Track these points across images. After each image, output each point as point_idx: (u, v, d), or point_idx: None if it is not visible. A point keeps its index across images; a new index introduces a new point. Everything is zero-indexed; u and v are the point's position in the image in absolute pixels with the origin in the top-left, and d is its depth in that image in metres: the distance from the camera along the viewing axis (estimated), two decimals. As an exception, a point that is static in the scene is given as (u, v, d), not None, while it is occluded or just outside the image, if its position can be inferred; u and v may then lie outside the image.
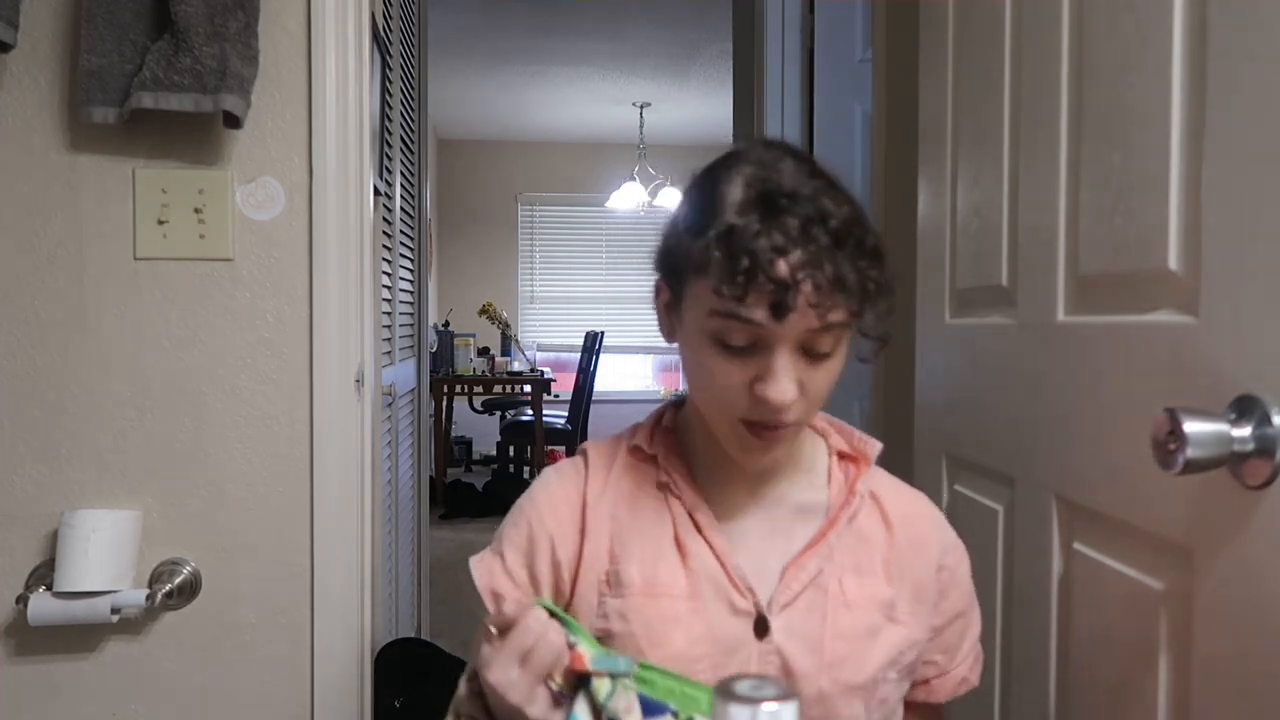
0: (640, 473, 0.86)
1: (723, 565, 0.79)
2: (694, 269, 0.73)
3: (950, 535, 0.88)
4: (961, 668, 0.88)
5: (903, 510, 0.86)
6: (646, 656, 0.76)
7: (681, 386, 0.87)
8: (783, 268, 0.68)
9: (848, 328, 0.74)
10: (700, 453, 0.85)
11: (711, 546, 0.80)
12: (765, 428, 0.75)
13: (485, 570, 0.85)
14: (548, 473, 0.89)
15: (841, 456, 0.88)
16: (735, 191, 0.73)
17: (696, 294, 0.74)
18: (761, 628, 0.77)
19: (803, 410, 0.75)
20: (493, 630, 0.73)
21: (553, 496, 0.85)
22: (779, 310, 0.69)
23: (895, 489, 0.88)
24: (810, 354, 0.73)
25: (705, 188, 0.76)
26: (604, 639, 0.78)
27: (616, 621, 0.79)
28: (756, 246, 0.68)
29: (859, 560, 0.82)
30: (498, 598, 0.82)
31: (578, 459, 0.89)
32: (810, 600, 0.79)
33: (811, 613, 0.79)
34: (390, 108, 1.95)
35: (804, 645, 0.77)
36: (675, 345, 0.81)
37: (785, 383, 0.72)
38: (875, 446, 0.88)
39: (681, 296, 0.77)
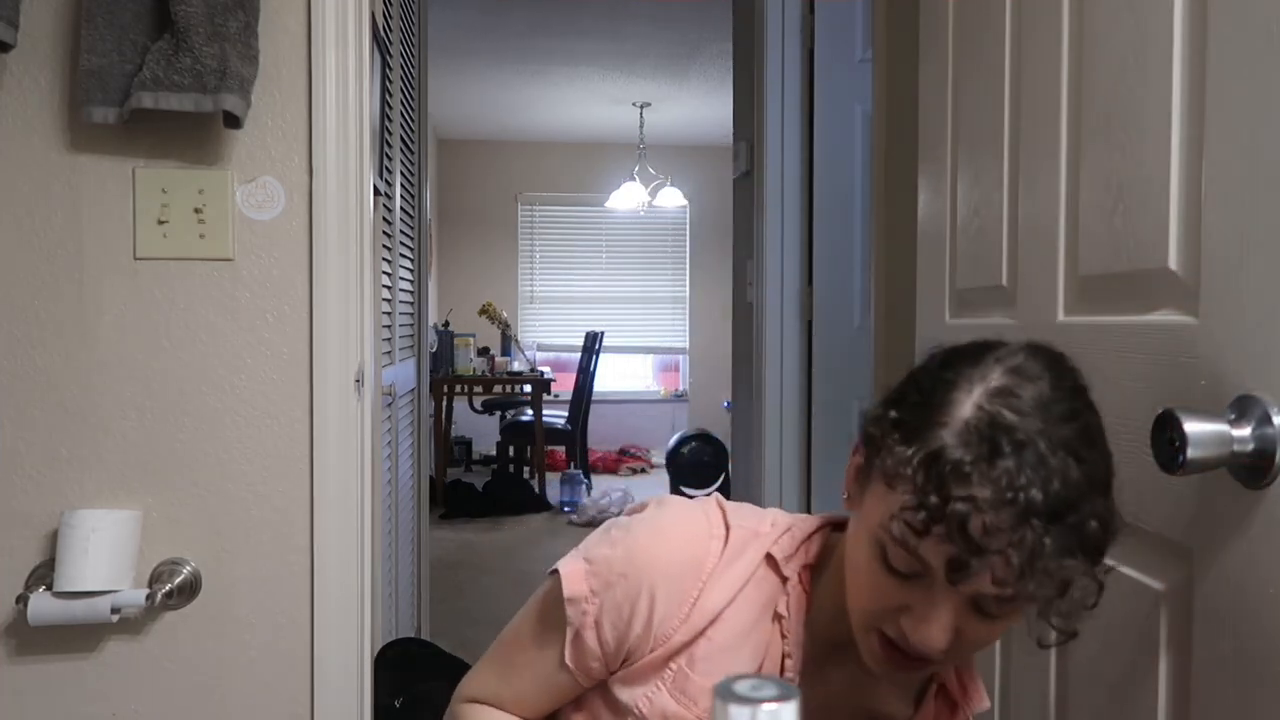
0: (766, 595, 0.78)
1: None
2: (889, 470, 0.64)
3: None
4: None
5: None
6: None
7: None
8: (978, 529, 0.58)
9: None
10: (827, 606, 0.77)
11: None
12: (904, 656, 0.67)
13: (579, 609, 0.78)
14: (681, 522, 0.79)
15: (943, 688, 0.81)
16: (965, 408, 0.62)
17: (882, 494, 0.65)
18: None
19: (954, 657, 0.68)
20: None
21: (676, 568, 0.77)
22: (956, 572, 0.60)
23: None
24: (981, 611, 0.63)
25: (940, 378, 0.65)
26: (640, 712, 0.77)
27: (651, 712, 0.77)
28: (957, 494, 0.59)
29: None
30: (580, 643, 0.79)
31: (717, 531, 0.79)
32: None
33: None
34: (390, 108, 1.95)
35: None
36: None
37: (937, 633, 0.63)
38: (981, 704, 0.80)
39: (869, 480, 0.68)
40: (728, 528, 0.79)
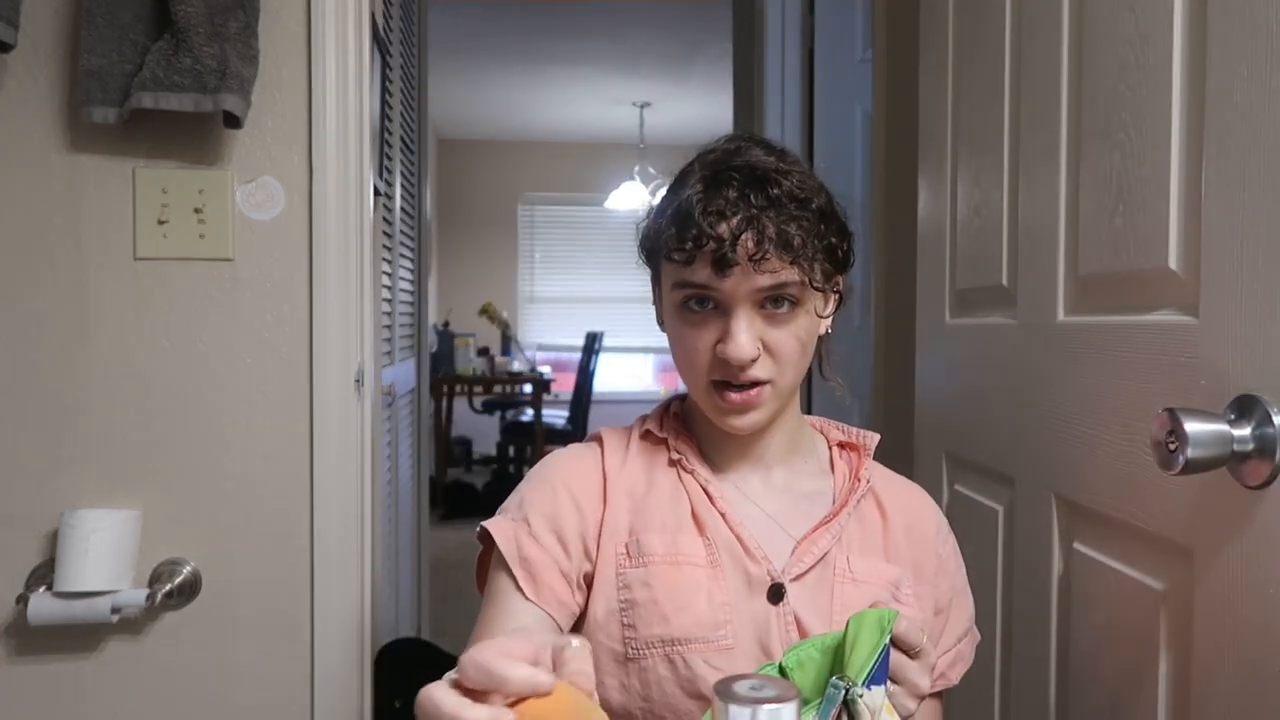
0: (653, 454, 0.89)
1: (737, 536, 0.82)
2: (662, 250, 0.81)
3: (945, 525, 0.92)
4: (941, 662, 0.86)
5: (899, 499, 0.90)
6: (670, 622, 0.78)
7: (682, 385, 0.89)
8: (722, 229, 0.75)
9: (805, 287, 0.78)
10: (706, 438, 0.89)
11: (725, 518, 0.83)
12: (734, 389, 0.80)
13: (508, 537, 0.83)
14: (560, 451, 0.91)
15: (842, 447, 0.92)
16: (693, 178, 0.80)
17: (665, 273, 0.82)
18: (776, 595, 0.80)
19: (771, 369, 0.80)
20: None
21: (574, 467, 0.87)
22: (721, 266, 0.75)
23: (890, 479, 0.92)
24: (769, 315, 0.78)
25: (673, 183, 0.84)
26: (626, 608, 0.80)
27: (640, 590, 0.80)
28: (697, 212, 0.76)
29: (863, 542, 0.85)
30: (527, 564, 0.81)
31: (591, 441, 0.92)
32: (819, 576, 0.82)
33: (820, 586, 0.81)
34: (390, 108, 1.95)
35: (815, 616, 0.80)
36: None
37: (743, 339, 0.77)
38: (873, 438, 0.92)
39: (659, 282, 0.85)
40: (601, 439, 0.91)
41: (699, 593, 0.79)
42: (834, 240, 0.80)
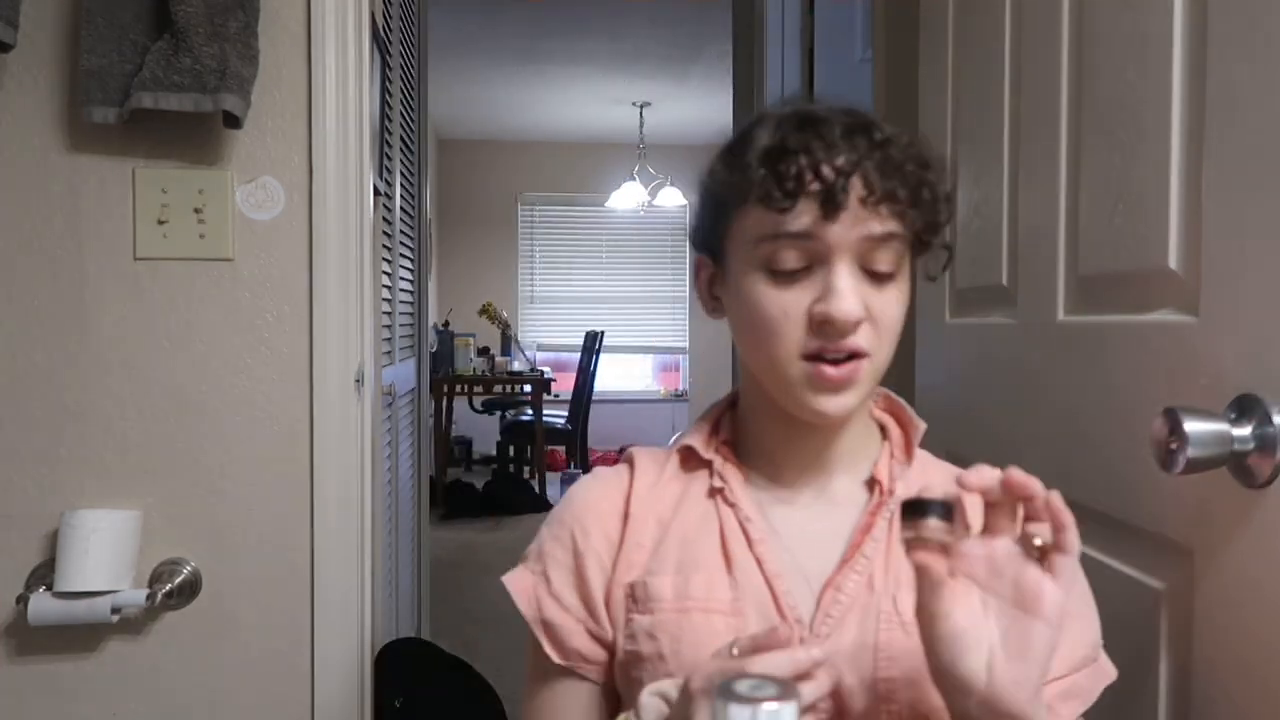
0: (690, 479, 0.79)
1: (772, 590, 0.71)
2: (736, 201, 0.70)
3: None
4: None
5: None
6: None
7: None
8: (828, 170, 0.65)
9: (907, 246, 0.69)
10: (766, 444, 0.78)
11: (761, 566, 0.72)
12: (834, 362, 0.68)
13: (529, 596, 0.76)
14: (588, 478, 0.82)
15: (884, 433, 0.81)
16: (767, 128, 0.69)
17: (741, 229, 0.70)
18: None
19: (873, 339, 0.69)
20: None
21: (596, 502, 0.78)
22: (830, 209, 0.65)
23: (946, 474, 0.78)
24: (872, 274, 0.68)
25: (734, 143, 0.72)
26: (632, 661, 0.71)
27: (645, 641, 0.71)
28: (799, 149, 0.66)
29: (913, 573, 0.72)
30: (549, 628, 0.75)
31: (623, 465, 0.82)
32: (859, 624, 0.69)
33: (863, 638, 0.69)
34: (390, 108, 1.95)
35: (856, 675, 0.68)
36: (724, 321, 0.76)
37: (849, 296, 0.66)
38: (918, 429, 0.80)
39: (724, 252, 0.73)
40: (633, 462, 0.81)
41: (714, 644, 0.66)
42: (944, 191, 0.70)
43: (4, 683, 1.25)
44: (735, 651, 0.60)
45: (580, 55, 5.00)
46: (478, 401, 6.14)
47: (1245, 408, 0.67)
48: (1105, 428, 0.87)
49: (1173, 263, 0.77)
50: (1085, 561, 0.92)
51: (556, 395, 5.97)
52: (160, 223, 1.25)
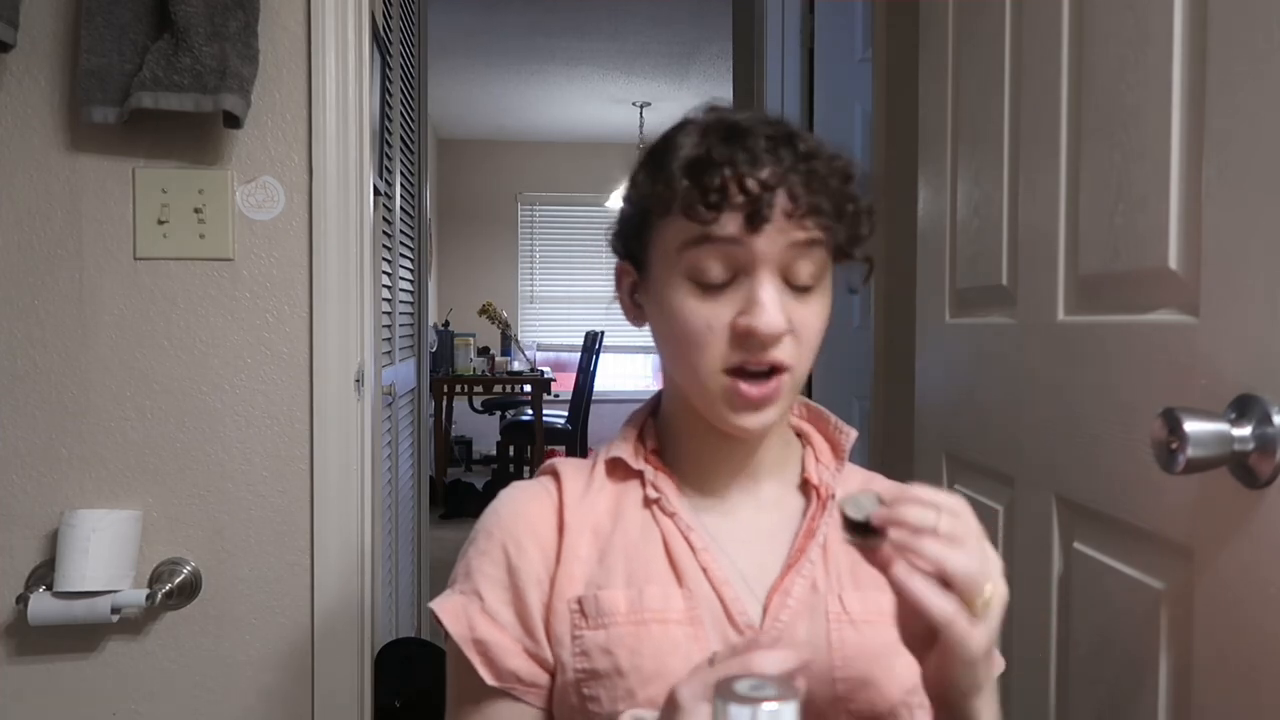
0: (623, 490, 0.77)
1: (720, 598, 0.71)
2: (660, 211, 0.69)
3: None
4: None
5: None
6: (636, 696, 0.66)
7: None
8: (753, 183, 0.65)
9: (829, 259, 0.70)
10: (693, 455, 0.78)
11: (708, 574, 0.72)
12: (756, 376, 0.68)
13: (461, 618, 0.73)
14: (511, 490, 0.80)
15: (805, 439, 0.82)
16: (691, 136, 0.69)
17: (664, 238, 0.70)
18: None
19: (794, 352, 0.69)
20: None
21: (526, 514, 0.76)
22: (754, 220, 0.65)
23: (870, 480, 0.82)
24: (794, 286, 0.69)
25: (656, 150, 0.72)
26: (586, 679, 0.69)
27: (600, 658, 0.69)
28: (724, 161, 0.66)
29: (855, 571, 0.73)
30: (483, 647, 0.72)
31: (546, 476, 0.80)
32: (809, 627, 0.70)
33: (814, 640, 0.69)
34: (390, 108, 1.95)
35: (814, 680, 0.68)
36: (648, 329, 0.77)
37: (773, 310, 0.66)
38: (849, 436, 0.81)
39: (647, 260, 0.73)
40: (557, 474, 0.79)
41: (675, 655, 0.67)
42: (867, 204, 0.70)
43: (4, 683, 1.25)
44: (713, 665, 0.59)
45: (580, 55, 5.00)
46: (478, 401, 6.14)
47: (1245, 408, 0.67)
48: (1105, 428, 0.87)
49: (1173, 263, 0.77)
50: (1086, 561, 0.93)
51: (556, 395, 5.97)
52: (160, 223, 1.25)
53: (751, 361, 0.68)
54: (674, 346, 0.72)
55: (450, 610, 0.74)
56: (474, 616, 0.73)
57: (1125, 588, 0.85)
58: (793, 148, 0.67)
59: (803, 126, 0.73)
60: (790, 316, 0.68)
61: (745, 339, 0.67)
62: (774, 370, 0.69)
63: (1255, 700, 0.67)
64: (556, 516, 0.76)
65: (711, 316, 0.68)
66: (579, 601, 0.71)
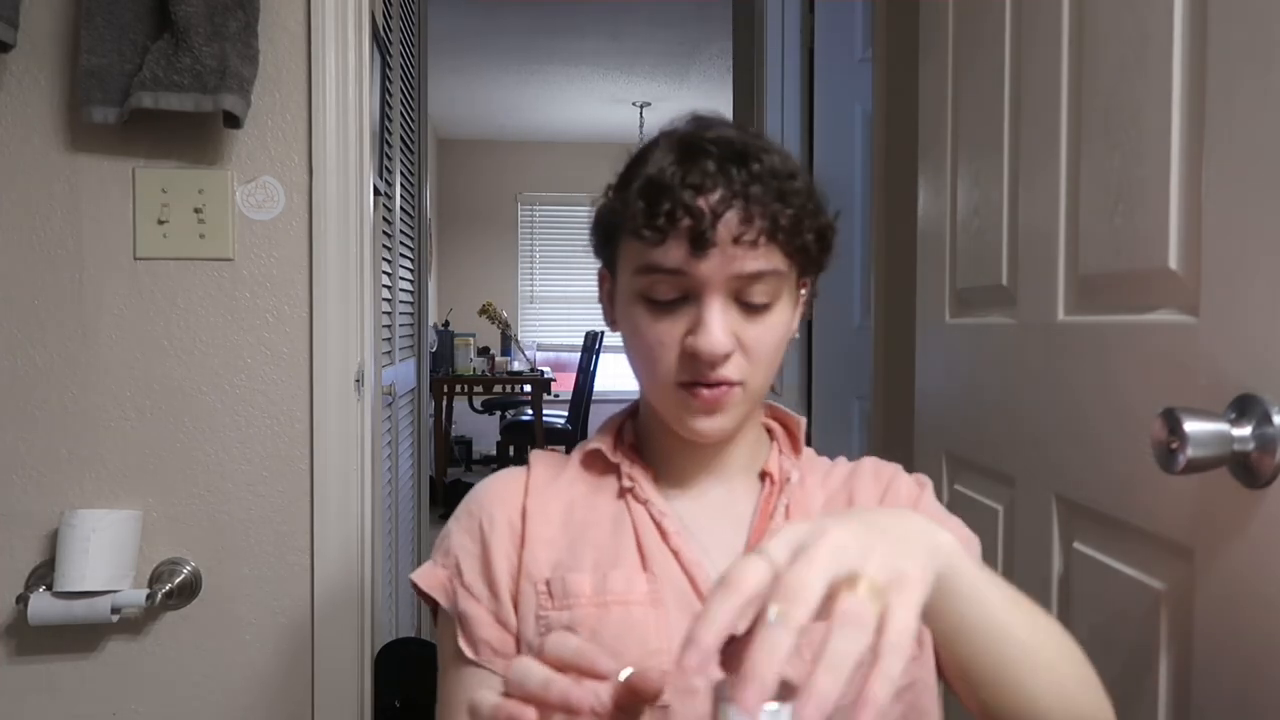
0: (599, 480, 0.80)
1: (690, 578, 0.73)
2: (623, 231, 0.72)
3: (901, 475, 0.82)
4: None
5: (834, 479, 0.81)
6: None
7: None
8: (701, 204, 0.66)
9: (784, 278, 0.71)
10: (664, 453, 0.81)
11: (679, 557, 0.74)
12: (704, 387, 0.71)
13: (445, 589, 0.77)
14: (489, 478, 0.84)
15: (771, 434, 0.84)
16: (657, 152, 0.71)
17: (626, 257, 0.73)
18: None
19: (744, 369, 0.71)
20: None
21: (499, 494, 0.80)
22: (698, 244, 0.66)
23: (832, 465, 0.84)
24: (745, 305, 0.70)
25: (630, 164, 0.75)
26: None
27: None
28: (673, 184, 0.67)
29: None
30: (464, 621, 0.76)
31: (522, 466, 0.84)
32: None
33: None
34: (390, 108, 1.95)
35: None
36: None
37: (716, 332, 0.68)
38: (800, 424, 0.83)
39: (615, 271, 0.76)
40: (530, 463, 0.83)
41: (632, 635, 0.70)
42: (822, 226, 0.72)
43: (4, 683, 1.25)
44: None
45: (580, 55, 5.00)
46: (478, 401, 6.14)
47: (1245, 408, 0.67)
48: (1105, 428, 0.87)
49: (1173, 263, 0.77)
50: (1086, 561, 0.93)
51: (556, 395, 5.97)
52: (160, 222, 1.25)
53: (700, 379, 0.71)
54: (634, 356, 0.76)
55: (437, 584, 0.78)
56: (457, 589, 0.77)
57: (1125, 588, 0.85)
58: (746, 167, 0.68)
59: (772, 140, 0.74)
60: (740, 335, 0.70)
61: (693, 358, 0.70)
62: (724, 383, 0.71)
63: (1255, 700, 0.67)
64: (523, 498, 0.79)
65: (664, 333, 0.71)
66: (547, 584, 0.74)
